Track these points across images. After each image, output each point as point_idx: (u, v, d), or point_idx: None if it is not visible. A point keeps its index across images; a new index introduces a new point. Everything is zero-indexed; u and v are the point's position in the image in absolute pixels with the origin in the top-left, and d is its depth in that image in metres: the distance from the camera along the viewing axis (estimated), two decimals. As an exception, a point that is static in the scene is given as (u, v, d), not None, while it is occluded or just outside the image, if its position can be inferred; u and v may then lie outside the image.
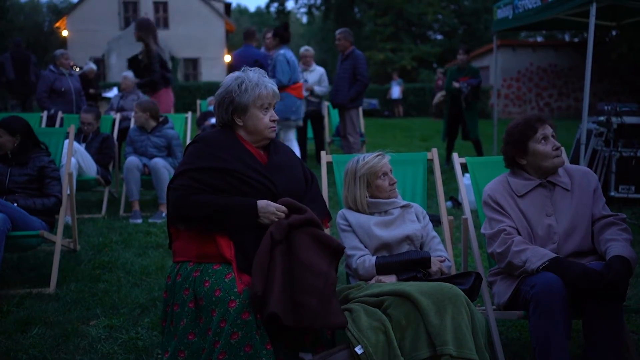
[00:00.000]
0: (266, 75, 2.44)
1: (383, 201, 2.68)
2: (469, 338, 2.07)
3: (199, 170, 2.29)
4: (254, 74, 2.40)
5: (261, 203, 2.26)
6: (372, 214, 2.68)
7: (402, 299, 2.16)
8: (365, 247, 2.60)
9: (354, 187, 2.69)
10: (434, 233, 2.74)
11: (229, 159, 2.31)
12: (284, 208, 2.26)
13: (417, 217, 2.72)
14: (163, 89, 6.39)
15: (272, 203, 2.27)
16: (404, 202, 2.74)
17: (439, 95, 8.54)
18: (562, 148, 2.61)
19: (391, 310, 2.15)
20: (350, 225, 2.64)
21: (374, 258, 2.54)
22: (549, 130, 2.54)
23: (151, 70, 6.17)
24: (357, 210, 2.69)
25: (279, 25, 7.05)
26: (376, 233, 2.59)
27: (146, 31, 6.33)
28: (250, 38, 7.88)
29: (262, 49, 8.35)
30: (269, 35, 8.48)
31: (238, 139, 2.40)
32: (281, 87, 6.76)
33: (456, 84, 8.20)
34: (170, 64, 6.32)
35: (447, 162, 8.20)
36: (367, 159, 2.69)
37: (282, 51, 6.73)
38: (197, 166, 2.29)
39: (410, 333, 2.10)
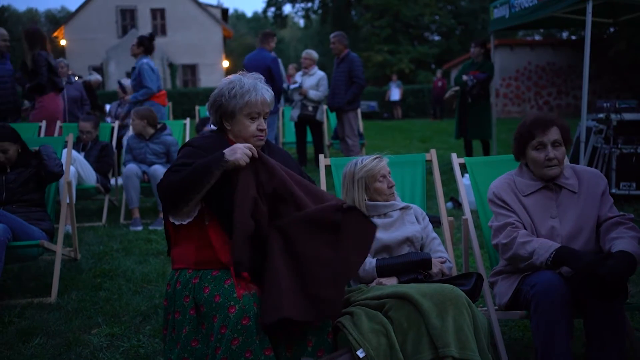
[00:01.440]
0: (262, 81, 2.39)
1: (382, 204, 2.67)
2: (471, 339, 2.06)
3: (186, 165, 2.25)
4: (249, 80, 2.36)
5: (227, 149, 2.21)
6: (371, 216, 2.66)
7: (403, 301, 2.15)
8: (366, 249, 2.59)
9: (352, 191, 2.68)
10: (434, 234, 2.73)
11: None
12: (250, 145, 2.23)
13: (417, 219, 2.71)
14: (51, 94, 6.24)
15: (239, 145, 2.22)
16: (403, 204, 2.73)
17: (451, 91, 8.28)
18: (559, 157, 2.48)
19: (392, 312, 2.14)
20: (349, 229, 2.63)
21: (374, 260, 2.52)
22: (549, 137, 2.47)
23: (38, 73, 6.08)
24: (356, 213, 2.67)
25: (145, 35, 7.01)
26: (376, 235, 2.57)
27: (33, 41, 6.20)
28: (265, 41, 7.69)
29: (272, 54, 8.34)
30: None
31: (229, 143, 2.37)
32: (150, 96, 6.70)
33: (464, 77, 7.89)
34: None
35: None
36: (365, 162, 2.68)
37: (145, 60, 6.70)
38: (185, 162, 2.26)
39: (412, 335, 2.09)
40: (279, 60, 8.41)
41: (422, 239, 2.67)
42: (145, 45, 6.82)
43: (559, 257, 2.29)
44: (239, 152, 2.18)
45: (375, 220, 2.64)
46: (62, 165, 3.83)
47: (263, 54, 7.53)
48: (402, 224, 2.65)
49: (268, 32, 7.90)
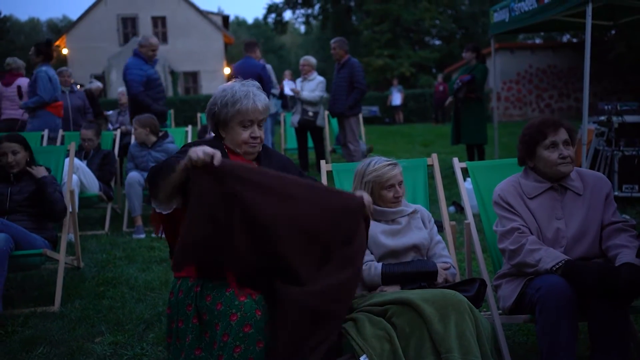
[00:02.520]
0: (257, 88, 2.37)
1: (389, 210, 2.64)
2: (474, 344, 2.05)
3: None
4: (242, 88, 2.35)
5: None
6: (378, 221, 2.64)
7: (405, 307, 2.15)
8: (371, 253, 2.58)
9: (359, 190, 2.65)
10: (439, 237, 2.72)
11: None
12: (216, 151, 2.02)
13: (423, 222, 2.70)
14: None
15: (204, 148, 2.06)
16: (410, 209, 2.70)
17: (450, 98, 8.29)
18: (572, 156, 2.52)
19: (395, 319, 2.14)
20: (355, 232, 2.62)
21: (379, 265, 2.51)
22: (560, 137, 2.50)
23: None
24: (358, 215, 2.66)
25: (42, 42, 6.89)
26: (383, 241, 2.56)
27: None
28: (250, 49, 7.81)
29: (262, 61, 8.37)
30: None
31: (225, 150, 2.36)
32: (42, 105, 6.54)
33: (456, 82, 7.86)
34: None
35: None
36: (377, 165, 2.61)
37: (44, 68, 6.60)
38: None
39: (414, 341, 2.08)
40: (269, 66, 8.47)
41: (428, 244, 2.66)
42: (44, 53, 6.70)
43: (568, 271, 2.28)
44: (199, 150, 1.98)
45: (383, 225, 2.62)
46: (65, 209, 3.78)
47: (251, 62, 7.63)
48: (409, 230, 2.63)
49: (252, 42, 8.03)
